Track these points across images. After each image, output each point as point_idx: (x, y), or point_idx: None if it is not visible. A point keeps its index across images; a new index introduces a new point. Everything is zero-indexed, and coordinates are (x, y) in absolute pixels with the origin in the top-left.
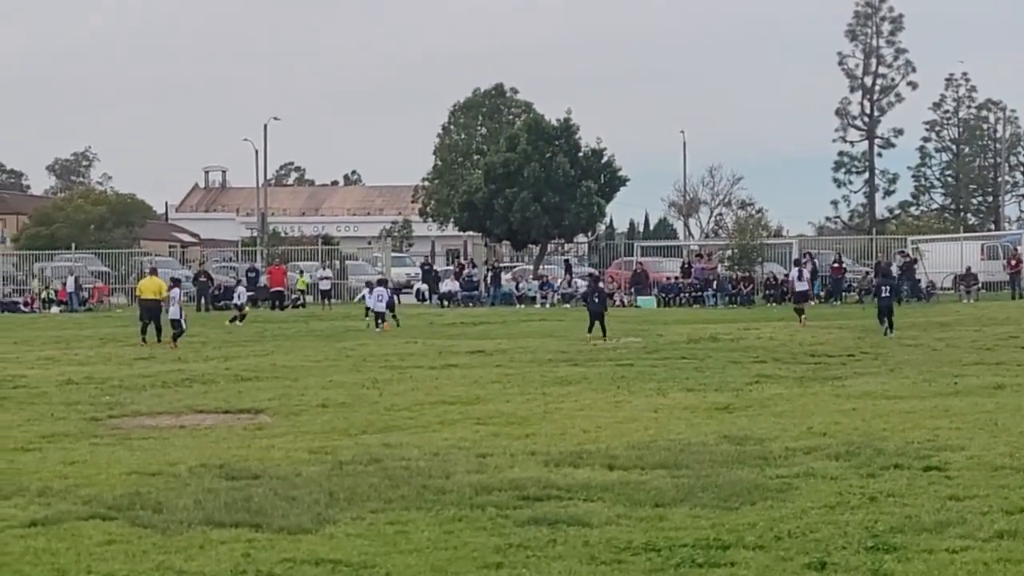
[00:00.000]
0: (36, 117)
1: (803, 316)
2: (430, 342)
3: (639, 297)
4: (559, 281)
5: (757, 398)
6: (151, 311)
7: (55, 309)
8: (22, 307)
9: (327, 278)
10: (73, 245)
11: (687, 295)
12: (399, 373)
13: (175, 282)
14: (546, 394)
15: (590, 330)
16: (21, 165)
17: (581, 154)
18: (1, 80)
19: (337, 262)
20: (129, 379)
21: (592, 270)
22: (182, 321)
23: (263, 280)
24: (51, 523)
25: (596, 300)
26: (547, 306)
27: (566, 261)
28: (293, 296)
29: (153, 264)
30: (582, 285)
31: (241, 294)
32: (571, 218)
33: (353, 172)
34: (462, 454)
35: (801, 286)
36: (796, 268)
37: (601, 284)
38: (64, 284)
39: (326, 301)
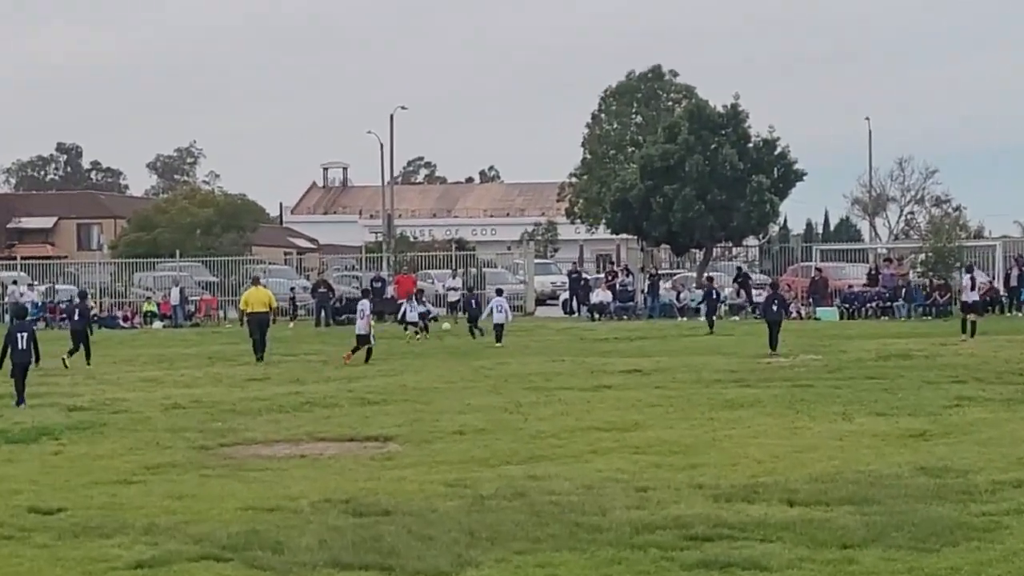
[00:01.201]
0: (136, 111)
1: (969, 332)
2: (580, 360)
3: (818, 308)
4: (727, 290)
5: (957, 423)
6: (262, 325)
7: (157, 324)
8: (121, 322)
9: (455, 288)
10: (177, 252)
11: (874, 306)
12: (545, 395)
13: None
14: (713, 419)
15: (773, 345)
16: (119, 163)
17: (751, 145)
18: (100, 71)
19: (473, 270)
20: (241, 403)
21: (763, 276)
22: (370, 337)
23: (390, 291)
24: (158, 565)
25: (775, 308)
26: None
27: (739, 269)
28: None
29: (262, 271)
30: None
31: (411, 311)
32: (740, 218)
33: (490, 168)
34: (619, 487)
35: (971, 296)
36: (968, 275)
37: (781, 291)
38: (167, 296)
39: (453, 313)
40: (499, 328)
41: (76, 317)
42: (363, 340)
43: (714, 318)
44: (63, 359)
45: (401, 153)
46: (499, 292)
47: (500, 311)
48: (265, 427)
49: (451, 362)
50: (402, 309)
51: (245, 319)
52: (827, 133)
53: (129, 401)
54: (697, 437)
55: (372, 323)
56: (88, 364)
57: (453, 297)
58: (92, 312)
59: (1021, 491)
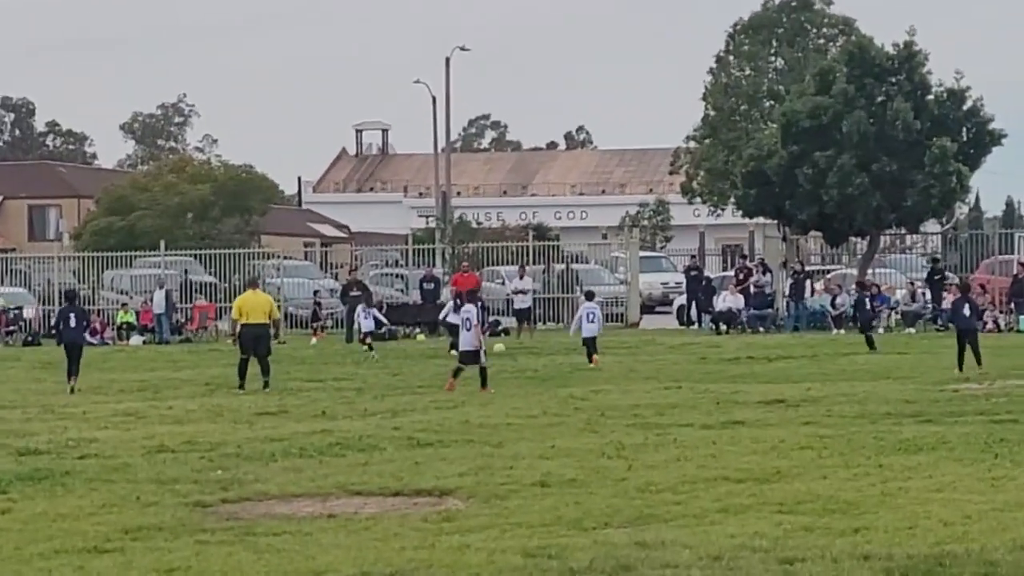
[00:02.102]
0: (107, 54)
1: None
2: (702, 387)
3: (1023, 317)
4: (899, 292)
5: None
6: (258, 341)
7: (136, 339)
8: (88, 337)
9: (524, 291)
10: (162, 243)
11: None
12: (657, 435)
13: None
14: (883, 467)
15: (960, 363)
16: (84, 125)
17: (930, 97)
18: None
19: (557, 265)
20: (250, 444)
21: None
22: (481, 353)
23: (445, 294)
24: None
25: (968, 315)
26: (880, 331)
27: (934, 261)
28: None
29: (274, 268)
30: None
31: (365, 317)
32: (916, 196)
33: (579, 130)
34: (757, 559)
35: None
36: None
37: (972, 294)
38: (149, 302)
39: (526, 324)
40: (591, 343)
41: (72, 324)
42: (471, 358)
43: (870, 333)
44: (71, 387)
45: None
46: (589, 296)
47: (592, 320)
48: (282, 477)
49: (529, 390)
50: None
51: (238, 333)
52: None
53: (100, 442)
54: (861, 491)
55: (480, 335)
56: (70, 389)
57: (522, 303)
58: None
59: None
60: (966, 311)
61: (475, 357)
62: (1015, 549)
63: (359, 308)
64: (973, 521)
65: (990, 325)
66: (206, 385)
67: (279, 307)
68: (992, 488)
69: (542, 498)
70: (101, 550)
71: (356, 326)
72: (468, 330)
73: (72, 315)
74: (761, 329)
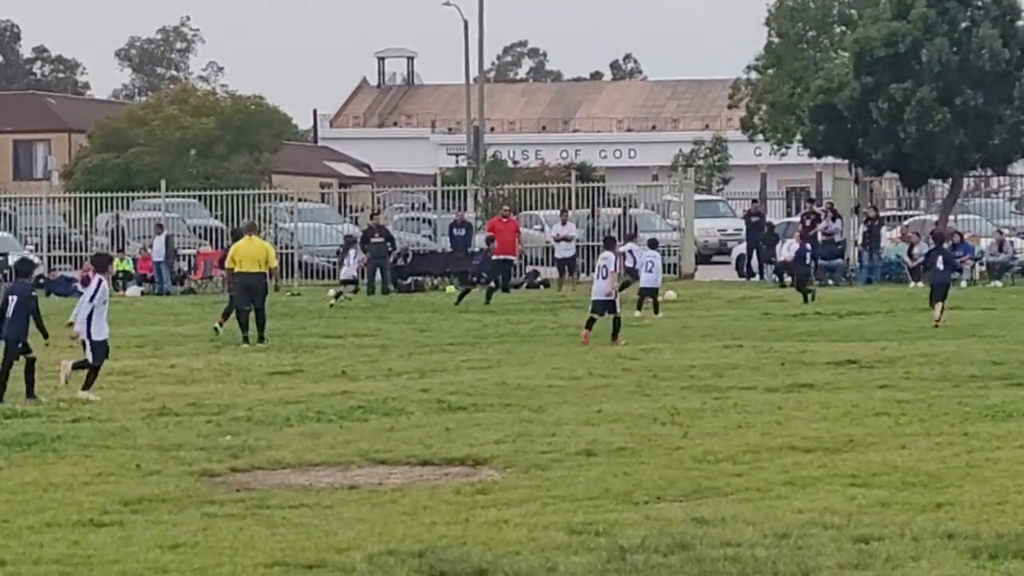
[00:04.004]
0: None
1: None
2: (765, 346)
3: None
4: (985, 241)
5: None
6: (253, 291)
7: (134, 290)
8: (80, 287)
9: (568, 239)
10: (163, 183)
11: None
12: (715, 399)
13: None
14: (968, 435)
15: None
16: (75, 50)
17: (1021, 23)
18: None
19: (608, 210)
20: (262, 407)
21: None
22: (615, 304)
23: (478, 242)
24: None
25: (941, 268)
26: (963, 284)
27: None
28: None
29: (287, 211)
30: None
31: (352, 260)
32: (1004, 133)
33: (626, 59)
34: (828, 536)
35: None
36: None
37: (946, 244)
38: (148, 248)
39: (568, 275)
40: (651, 293)
41: (11, 313)
42: (603, 307)
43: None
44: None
45: (494, 37)
46: (652, 244)
47: (651, 270)
48: (298, 443)
49: (573, 349)
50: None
51: (231, 283)
52: None
53: (95, 404)
54: (944, 462)
55: (615, 284)
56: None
57: (564, 251)
58: (38, 273)
59: None
60: (939, 264)
61: (609, 307)
62: None
63: (350, 251)
64: None
65: None
66: (211, 342)
67: (293, 255)
68: None
69: (588, 468)
70: (98, 523)
71: (602, 273)
72: (604, 278)
73: (14, 300)
74: (831, 282)
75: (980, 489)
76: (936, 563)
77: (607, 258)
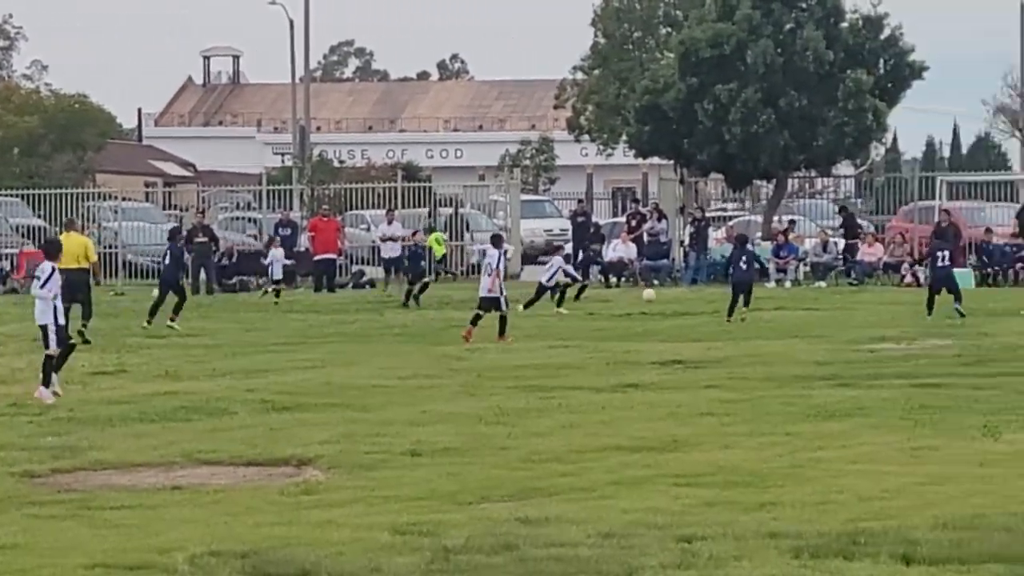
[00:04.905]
0: None
1: None
2: (592, 346)
3: None
4: (809, 242)
5: None
6: (73, 288)
7: None
8: None
9: (394, 238)
10: None
11: None
12: (542, 399)
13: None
14: (792, 435)
15: (731, 312)
16: None
17: (844, 25)
18: None
19: (430, 211)
20: (85, 407)
21: (863, 222)
22: (501, 300)
23: (303, 242)
24: None
25: (744, 267)
26: (787, 284)
27: (843, 208)
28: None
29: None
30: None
31: (276, 262)
32: (827, 134)
33: (453, 58)
34: (653, 536)
35: None
36: None
37: (751, 245)
38: None
39: (394, 275)
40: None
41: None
42: (490, 304)
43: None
44: None
45: (321, 36)
46: (496, 242)
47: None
48: (121, 444)
49: (399, 348)
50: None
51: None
52: (958, 10)
53: None
54: (768, 462)
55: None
56: None
57: (390, 251)
58: None
59: None
60: (743, 264)
61: (494, 304)
62: (937, 527)
63: (272, 252)
64: (891, 496)
65: (908, 278)
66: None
67: (117, 254)
68: (912, 459)
69: (413, 469)
70: None
71: (488, 270)
72: (488, 275)
73: None
74: (656, 282)
75: (803, 489)
76: (759, 562)
77: (492, 255)
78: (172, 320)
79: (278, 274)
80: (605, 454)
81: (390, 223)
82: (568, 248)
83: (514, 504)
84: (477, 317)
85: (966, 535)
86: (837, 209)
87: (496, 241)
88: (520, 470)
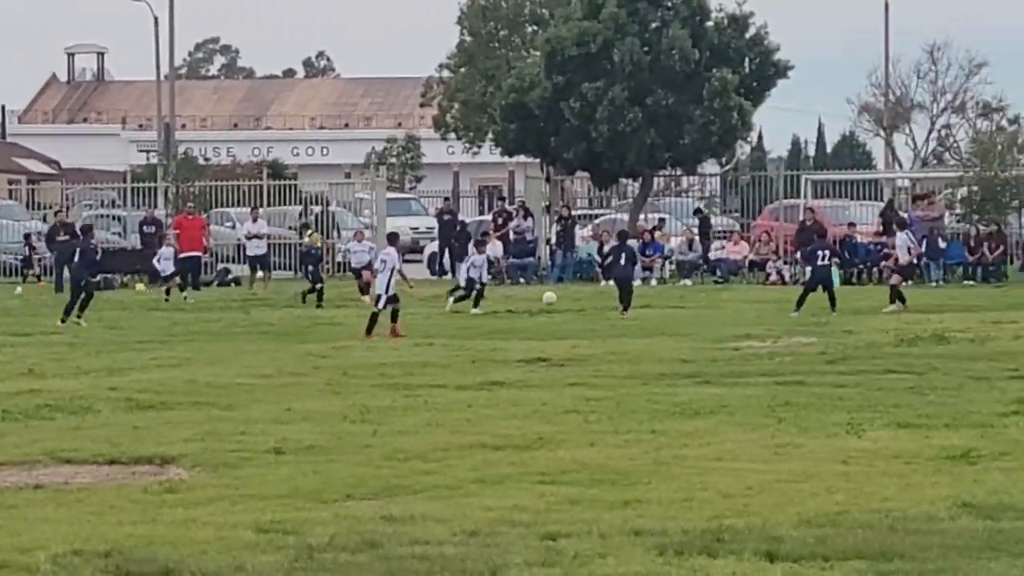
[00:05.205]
0: None
1: (899, 298)
2: (456, 344)
3: (810, 267)
4: (675, 240)
5: (1019, 439)
6: None
7: None
8: None
9: (259, 236)
10: None
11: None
12: (406, 397)
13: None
14: (657, 433)
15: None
16: None
17: (710, 24)
18: None
19: (303, 210)
20: None
21: (728, 219)
22: (382, 298)
23: (169, 239)
24: None
25: (623, 263)
26: (653, 282)
27: (698, 210)
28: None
29: None
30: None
31: (166, 259)
32: (693, 133)
33: (319, 56)
34: (517, 534)
35: (905, 258)
36: (902, 230)
37: (632, 241)
38: None
39: (258, 273)
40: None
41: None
42: (396, 298)
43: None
44: None
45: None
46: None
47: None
48: None
49: (263, 346)
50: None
51: None
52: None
53: None
54: (633, 460)
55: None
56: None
57: (256, 249)
58: None
59: None
60: (622, 260)
61: (391, 299)
62: (800, 524)
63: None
64: (755, 493)
65: (774, 276)
66: None
67: None
68: (776, 456)
69: (277, 467)
70: None
71: (382, 266)
72: (381, 272)
73: None
74: (522, 280)
75: (667, 486)
76: (623, 560)
77: (388, 253)
78: (79, 316)
79: (168, 270)
80: (470, 452)
81: (255, 221)
82: (434, 246)
83: (378, 502)
84: (395, 313)
85: (829, 532)
86: (694, 211)
87: (393, 239)
88: (385, 468)
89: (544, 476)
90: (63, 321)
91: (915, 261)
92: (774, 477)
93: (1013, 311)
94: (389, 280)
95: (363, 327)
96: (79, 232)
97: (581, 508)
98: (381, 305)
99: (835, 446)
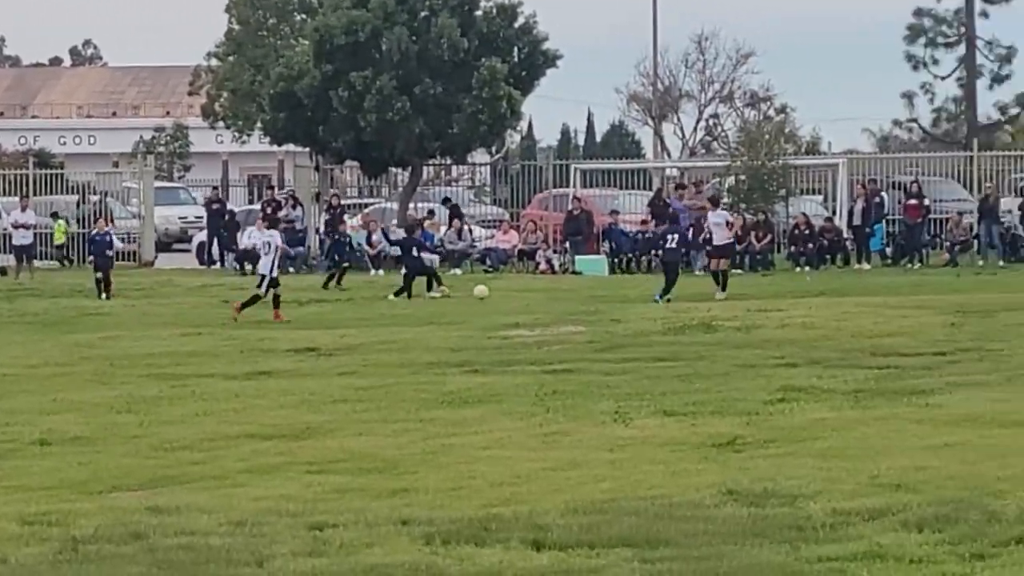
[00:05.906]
0: None
1: (721, 284)
2: (225, 333)
3: (579, 256)
4: (442, 230)
5: (784, 426)
6: None
7: None
8: None
9: (27, 226)
10: None
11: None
12: (174, 387)
13: None
14: (426, 422)
15: (430, 287)
16: None
17: (479, 13)
18: None
19: (69, 198)
20: None
21: (495, 209)
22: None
23: None
24: None
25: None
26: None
27: (447, 199)
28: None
29: None
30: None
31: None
32: (463, 122)
33: (86, 44)
34: (284, 524)
35: (723, 236)
36: (716, 207)
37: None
38: None
39: (24, 263)
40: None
41: None
42: (272, 283)
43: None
44: None
45: None
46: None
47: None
48: None
49: (30, 336)
50: None
51: None
52: None
53: None
54: (402, 449)
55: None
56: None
57: (22, 239)
58: None
59: (877, 525)
60: (414, 251)
61: (272, 282)
62: (567, 512)
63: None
64: (523, 481)
65: (543, 265)
66: None
67: None
68: (544, 445)
69: (43, 458)
70: None
71: (266, 249)
72: (266, 254)
73: None
74: (291, 269)
75: (436, 475)
76: (390, 549)
77: (272, 235)
78: None
79: None
80: (238, 442)
81: (24, 210)
82: (203, 235)
83: (145, 493)
84: (276, 299)
85: (596, 519)
86: (442, 200)
87: (273, 223)
88: (152, 459)
89: (313, 466)
90: None
91: (731, 239)
92: (542, 465)
93: (779, 299)
94: (273, 262)
95: (237, 303)
96: None
97: (349, 497)
98: (265, 287)
99: (603, 434)
